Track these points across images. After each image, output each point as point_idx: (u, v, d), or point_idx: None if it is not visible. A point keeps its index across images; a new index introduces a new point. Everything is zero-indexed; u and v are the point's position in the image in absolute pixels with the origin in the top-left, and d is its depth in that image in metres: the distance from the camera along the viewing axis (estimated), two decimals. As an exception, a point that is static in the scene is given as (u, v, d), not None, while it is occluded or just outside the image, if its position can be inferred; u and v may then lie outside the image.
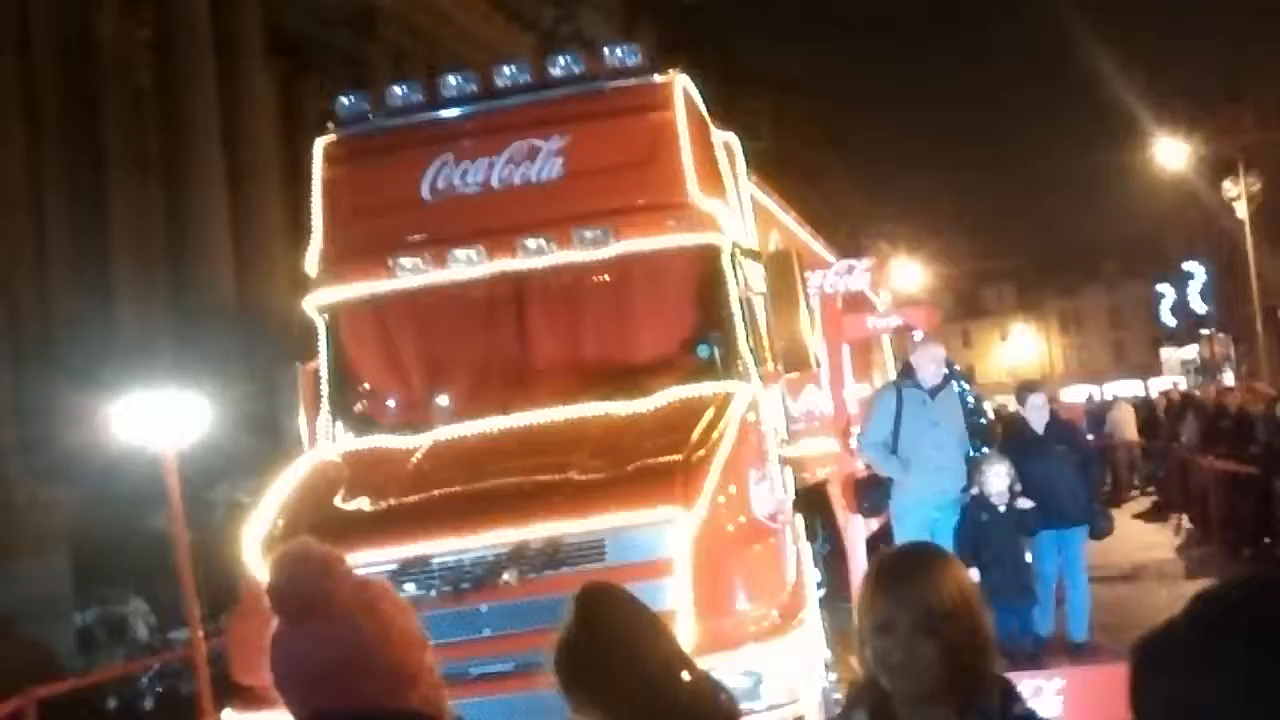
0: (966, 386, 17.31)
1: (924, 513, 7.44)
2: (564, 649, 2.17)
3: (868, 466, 7.82)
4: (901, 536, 7.34)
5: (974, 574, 7.17)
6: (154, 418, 7.16)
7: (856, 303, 10.86)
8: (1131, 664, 1.19)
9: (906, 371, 7.97)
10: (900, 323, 10.06)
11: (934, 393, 7.58)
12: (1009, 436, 8.49)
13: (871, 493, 7.71)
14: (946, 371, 7.77)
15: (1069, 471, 7.89)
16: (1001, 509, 7.50)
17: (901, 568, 2.10)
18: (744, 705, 4.85)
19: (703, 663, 4.76)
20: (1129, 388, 38.69)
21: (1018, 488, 7.54)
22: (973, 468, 7.74)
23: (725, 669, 4.88)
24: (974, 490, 7.61)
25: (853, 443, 8.07)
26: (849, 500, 7.79)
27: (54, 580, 9.92)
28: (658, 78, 6.31)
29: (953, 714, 1.99)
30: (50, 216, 12.43)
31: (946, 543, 7.06)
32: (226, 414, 8.25)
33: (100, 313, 12.54)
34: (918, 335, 12.35)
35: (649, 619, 2.26)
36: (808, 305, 6.73)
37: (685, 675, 2.17)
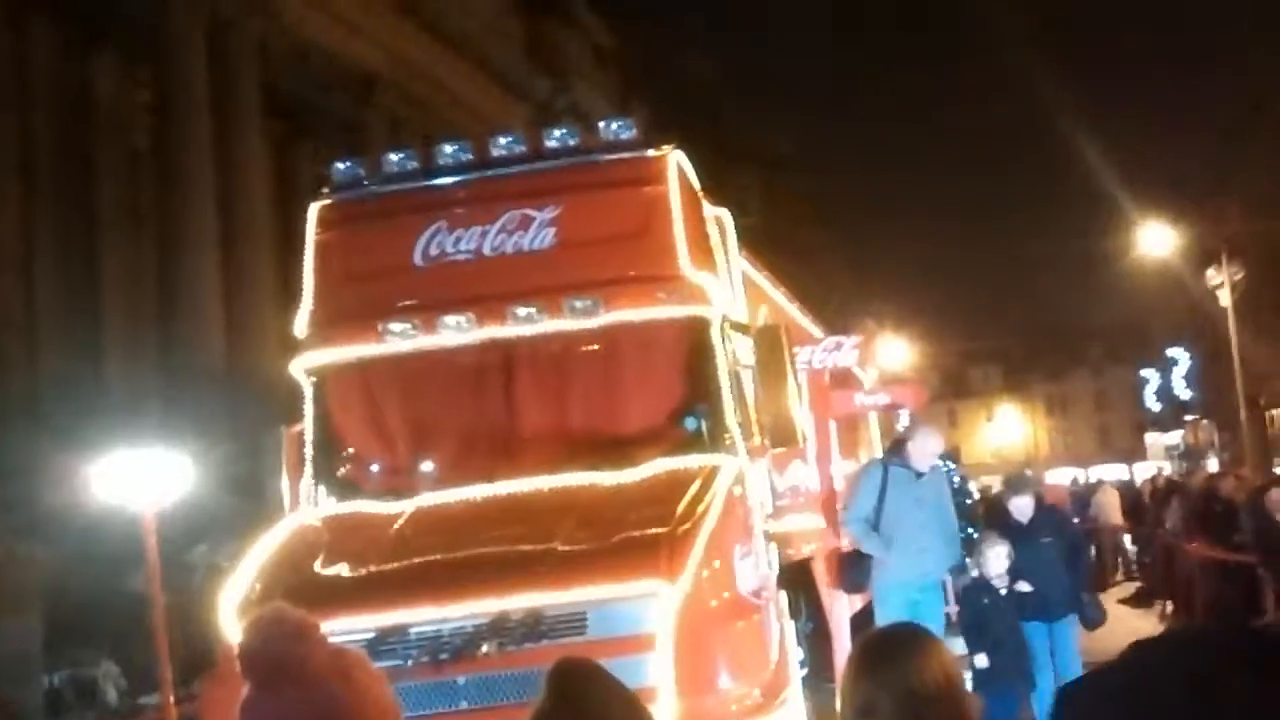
0: (953, 466, 17.29)
1: (906, 593, 7.37)
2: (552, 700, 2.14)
3: (851, 543, 7.78)
4: (883, 617, 7.25)
5: (981, 659, 7.11)
6: (136, 477, 7.09)
7: (844, 379, 10.88)
8: (1059, 705, 1.20)
9: (896, 449, 7.94)
10: (888, 400, 10.09)
11: (922, 475, 7.56)
12: (993, 524, 8.44)
13: (854, 570, 7.66)
14: (941, 460, 7.81)
15: (1056, 560, 7.81)
16: (1002, 591, 7.42)
17: (884, 649, 2.07)
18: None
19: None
20: (1114, 472, 38.71)
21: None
22: (972, 550, 7.68)
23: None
24: (974, 573, 7.50)
25: (838, 518, 8.02)
26: (832, 577, 7.74)
27: (26, 639, 9.74)
28: (651, 152, 6.39)
29: None
30: (41, 275, 12.44)
31: (930, 625, 6.98)
32: (210, 475, 8.18)
33: (89, 372, 12.50)
34: (905, 416, 12.40)
35: (624, 696, 2.23)
36: (795, 380, 6.76)
37: None
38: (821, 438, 8.19)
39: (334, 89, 16.67)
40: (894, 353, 38.86)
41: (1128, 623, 13.30)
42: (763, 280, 8.68)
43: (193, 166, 13.82)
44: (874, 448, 12.77)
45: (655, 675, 4.84)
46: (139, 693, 8.92)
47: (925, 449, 7.62)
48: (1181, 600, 13.00)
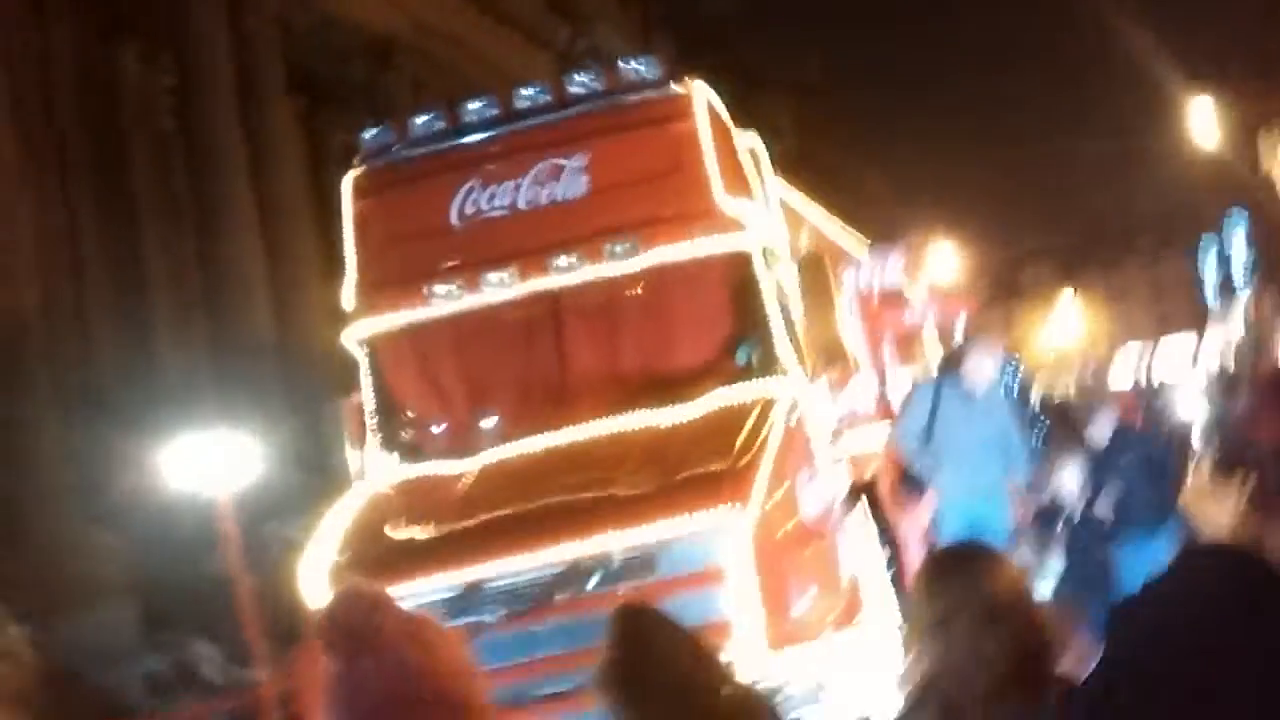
0: (1018, 372, 17.03)
1: (962, 511, 7.13)
2: (606, 668, 2.19)
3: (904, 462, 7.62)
4: (942, 536, 7.04)
5: (1052, 583, 6.74)
6: (205, 461, 7.25)
7: (894, 296, 10.78)
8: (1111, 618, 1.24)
9: (949, 367, 7.70)
10: (939, 313, 9.96)
11: (978, 393, 7.24)
12: (1061, 438, 8.12)
13: (909, 484, 7.46)
14: (998, 373, 7.46)
15: (1138, 478, 7.27)
16: (1077, 516, 7.05)
17: (955, 562, 2.09)
18: (805, 709, 4.87)
19: (762, 668, 4.81)
20: (1181, 342, 38.06)
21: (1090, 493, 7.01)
22: (1040, 469, 7.35)
23: (784, 674, 4.88)
24: (1045, 496, 7.16)
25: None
26: (894, 495, 7.70)
27: (120, 627, 10.05)
28: (676, 88, 6.33)
29: (1019, 709, 1.97)
30: (88, 266, 12.62)
31: (996, 539, 6.68)
32: (274, 452, 8.32)
33: (142, 359, 12.70)
34: (962, 324, 12.19)
35: (687, 635, 2.27)
36: (842, 303, 6.72)
37: (726, 689, 2.18)
38: (875, 357, 8.13)
39: (353, 57, 16.61)
40: (943, 261, 38.36)
41: (1208, 507, 13.14)
42: (801, 204, 8.60)
43: (223, 147, 13.90)
44: (929, 361, 12.67)
45: (727, 608, 4.90)
46: (237, 670, 9.17)
47: (980, 370, 7.29)
48: (1258, 491, 12.78)
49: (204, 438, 7.31)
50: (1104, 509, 6.93)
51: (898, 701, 2.20)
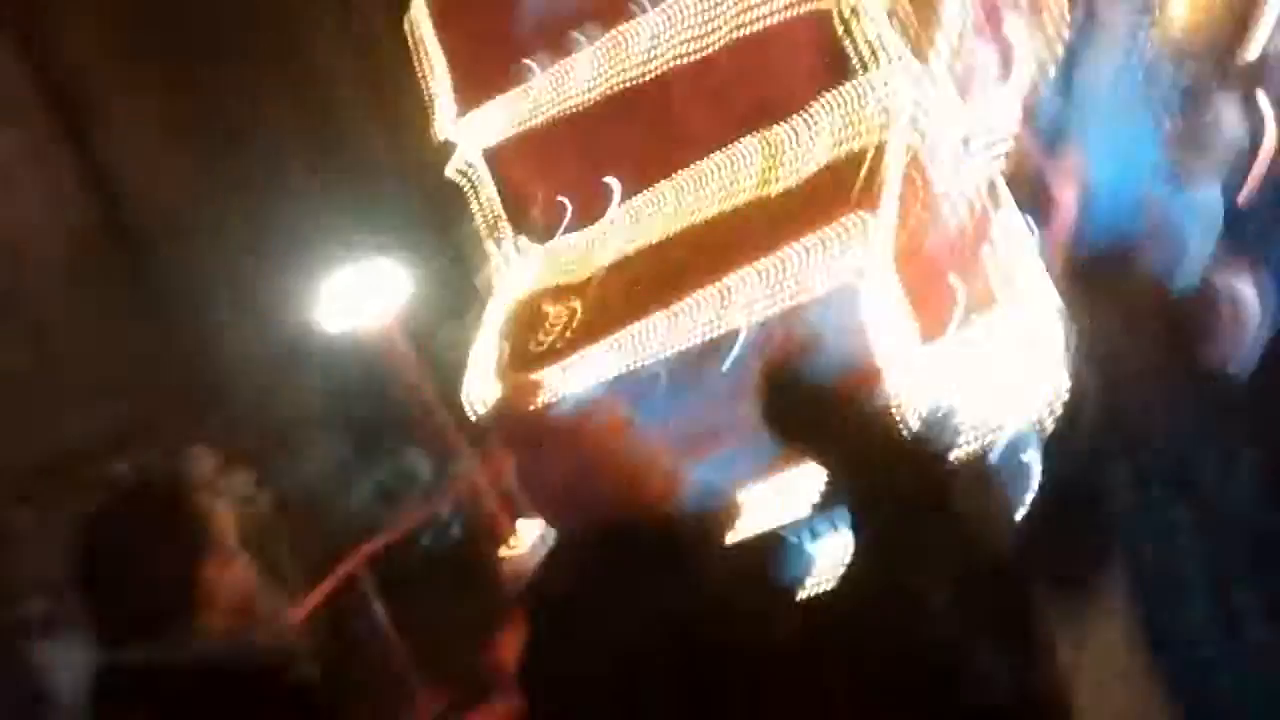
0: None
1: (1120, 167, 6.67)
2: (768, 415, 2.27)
3: None
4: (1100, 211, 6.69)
5: None
6: (361, 291, 7.60)
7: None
8: None
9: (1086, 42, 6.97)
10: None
11: (1109, 25, 6.36)
12: None
13: (1050, 152, 7.03)
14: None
15: None
16: None
17: (1092, 278, 2.05)
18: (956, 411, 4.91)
19: (917, 364, 4.84)
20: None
21: None
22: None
23: (950, 359, 4.93)
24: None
25: None
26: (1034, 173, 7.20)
27: (334, 458, 10.83)
28: None
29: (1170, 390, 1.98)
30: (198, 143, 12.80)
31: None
32: (423, 270, 8.59)
33: (280, 207, 12.94)
34: None
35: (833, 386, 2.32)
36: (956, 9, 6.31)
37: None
38: (1004, 49, 7.56)
39: None
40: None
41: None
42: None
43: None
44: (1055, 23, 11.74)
45: (882, 311, 4.96)
46: (447, 469, 9.83)
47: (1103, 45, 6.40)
48: None
49: (355, 270, 7.63)
50: None
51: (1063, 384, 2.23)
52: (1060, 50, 6.79)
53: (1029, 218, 6.92)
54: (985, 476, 3.59)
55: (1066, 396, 4.34)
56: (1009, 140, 7.29)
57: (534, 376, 5.44)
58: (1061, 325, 4.65)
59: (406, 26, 6.54)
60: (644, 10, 5.87)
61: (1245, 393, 1.97)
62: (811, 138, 5.64)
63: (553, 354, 5.53)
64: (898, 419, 2.60)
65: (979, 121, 6.79)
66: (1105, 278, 2.00)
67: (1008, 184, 6.79)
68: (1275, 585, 2.23)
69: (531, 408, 3.46)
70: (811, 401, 2.32)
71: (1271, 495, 2.07)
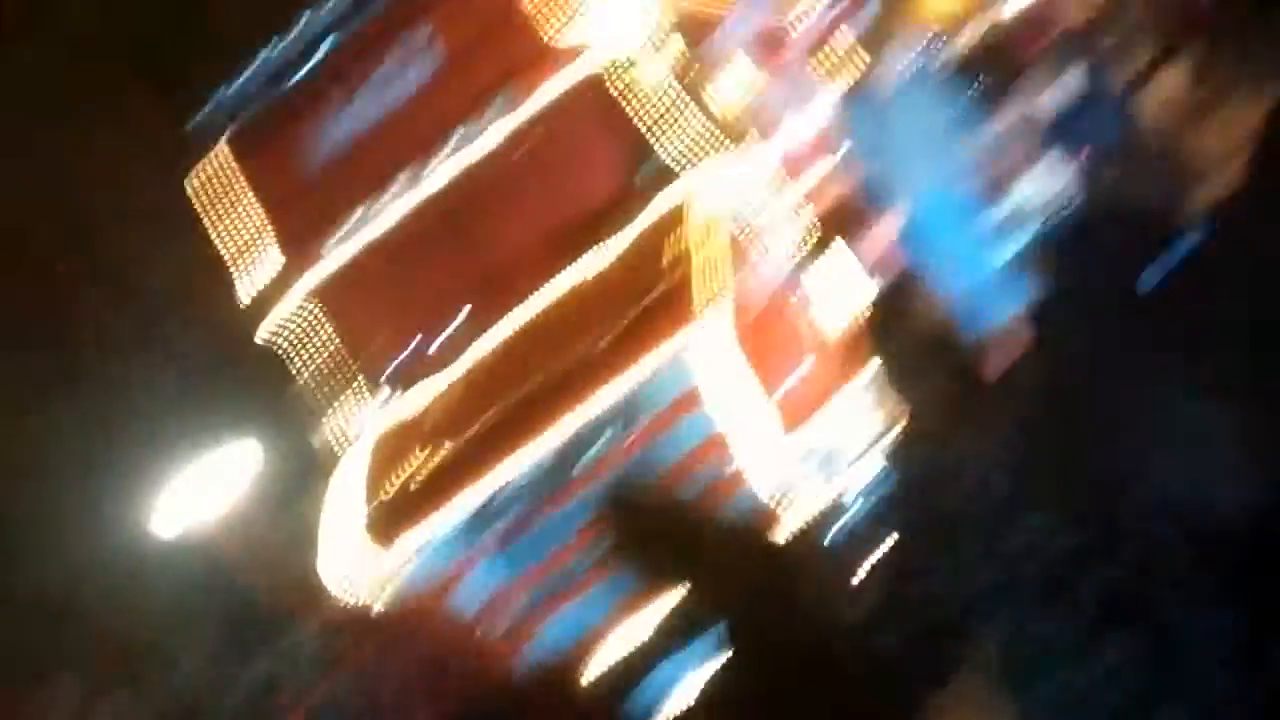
0: (931, 43, 16.54)
1: (928, 216, 6.38)
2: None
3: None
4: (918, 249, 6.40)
5: None
6: (208, 483, 7.27)
7: (788, 23, 10.31)
8: None
9: (865, 74, 7.08)
10: (827, 31, 9.45)
11: (898, 92, 6.59)
12: None
13: (866, 211, 6.70)
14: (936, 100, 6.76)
15: None
16: None
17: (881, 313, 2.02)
18: (830, 469, 4.92)
19: (776, 451, 4.83)
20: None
21: None
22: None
23: (800, 448, 4.94)
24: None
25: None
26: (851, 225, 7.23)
27: (205, 653, 10.34)
28: None
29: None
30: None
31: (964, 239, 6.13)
32: (273, 444, 8.30)
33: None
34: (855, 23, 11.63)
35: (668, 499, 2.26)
36: (727, 62, 6.52)
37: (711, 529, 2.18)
38: (780, 94, 7.83)
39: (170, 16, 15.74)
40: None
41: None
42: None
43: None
44: (851, 67, 12.26)
45: (727, 414, 4.93)
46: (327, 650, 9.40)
47: (889, 67, 6.75)
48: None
49: (197, 468, 7.31)
50: None
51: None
52: (854, 86, 7.00)
53: (848, 251, 7.13)
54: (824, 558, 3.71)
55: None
56: (816, 181, 7.53)
57: (392, 541, 5.24)
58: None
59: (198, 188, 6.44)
60: (454, 147, 5.86)
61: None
62: (630, 235, 5.68)
63: (408, 512, 5.35)
64: (752, 524, 2.51)
65: (781, 173, 7.00)
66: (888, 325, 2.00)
67: (822, 223, 7.00)
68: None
69: (387, 601, 3.30)
70: (670, 530, 2.23)
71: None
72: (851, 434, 4.88)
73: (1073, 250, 5.02)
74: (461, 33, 6.00)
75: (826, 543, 4.74)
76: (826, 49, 11.04)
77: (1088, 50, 6.47)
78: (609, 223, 5.75)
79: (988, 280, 5.99)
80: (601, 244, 5.68)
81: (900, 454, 4.50)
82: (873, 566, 4.53)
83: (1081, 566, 1.94)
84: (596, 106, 5.93)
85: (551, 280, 5.70)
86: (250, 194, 6.31)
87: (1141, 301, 1.60)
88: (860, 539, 4.68)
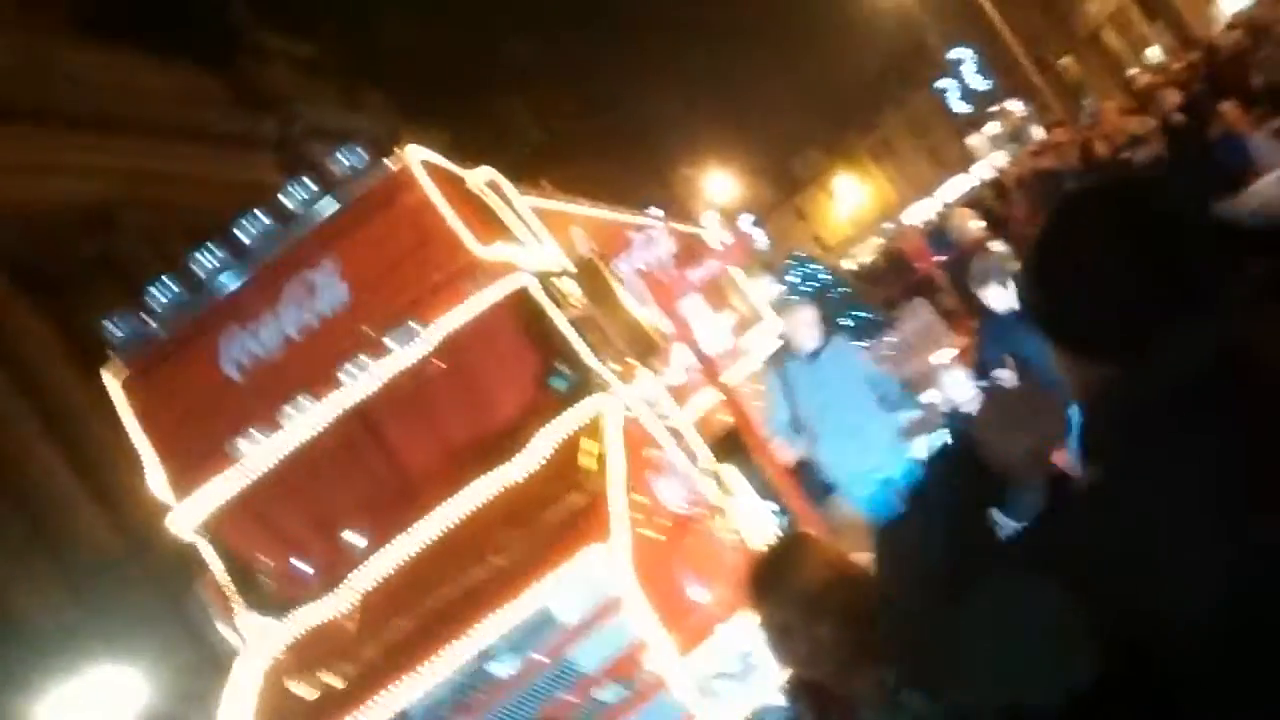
0: (818, 268, 17.36)
1: (869, 484, 6.43)
2: None
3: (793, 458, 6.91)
4: (859, 512, 6.54)
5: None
6: (95, 702, 6.95)
7: (690, 247, 10.93)
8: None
9: (784, 344, 7.06)
10: (718, 267, 10.05)
11: (816, 356, 6.63)
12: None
13: (809, 481, 6.87)
14: (825, 326, 6.84)
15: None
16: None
17: (770, 571, 2.17)
18: (746, 681, 4.98)
19: (691, 663, 4.89)
20: (960, 184, 39.95)
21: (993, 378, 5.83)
22: (922, 380, 6.83)
23: (715, 661, 4.98)
24: (937, 407, 6.49)
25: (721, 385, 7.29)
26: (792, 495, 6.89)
27: None
28: (391, 164, 6.31)
29: (876, 672, 2.07)
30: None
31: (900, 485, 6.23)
32: (163, 662, 8.01)
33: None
34: (743, 276, 12.14)
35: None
36: (629, 290, 6.82)
37: None
38: (677, 321, 8.17)
39: (77, 235, 15.91)
40: (722, 187, 39.25)
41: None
42: (562, 205, 8.67)
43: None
44: (742, 292, 12.96)
45: (637, 628, 4.96)
46: None
47: (800, 327, 6.74)
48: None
49: (81, 683, 6.99)
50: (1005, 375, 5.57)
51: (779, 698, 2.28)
52: (774, 377, 6.78)
53: (765, 488, 7.34)
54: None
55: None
56: (719, 403, 7.76)
57: None
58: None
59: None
60: (353, 379, 5.92)
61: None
62: (534, 458, 5.75)
63: None
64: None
65: (686, 401, 7.23)
66: (774, 587, 2.11)
67: (736, 456, 7.20)
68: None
69: None
70: None
71: None
72: (762, 647, 4.92)
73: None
74: (378, 255, 6.15)
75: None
76: (722, 279, 11.67)
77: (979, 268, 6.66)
78: (523, 435, 5.84)
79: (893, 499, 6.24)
80: (515, 456, 5.75)
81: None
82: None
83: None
84: (515, 320, 6.11)
85: (463, 492, 5.73)
86: (139, 422, 6.29)
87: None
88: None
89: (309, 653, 5.75)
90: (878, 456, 6.39)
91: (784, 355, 6.93)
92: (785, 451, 6.70)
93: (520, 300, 6.11)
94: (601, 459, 5.45)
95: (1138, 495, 1.27)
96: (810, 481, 6.82)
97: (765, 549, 2.49)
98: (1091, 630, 1.24)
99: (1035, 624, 1.25)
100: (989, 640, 1.29)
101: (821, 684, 2.11)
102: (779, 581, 2.09)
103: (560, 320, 6.18)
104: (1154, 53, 29.22)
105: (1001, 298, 5.71)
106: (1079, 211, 1.41)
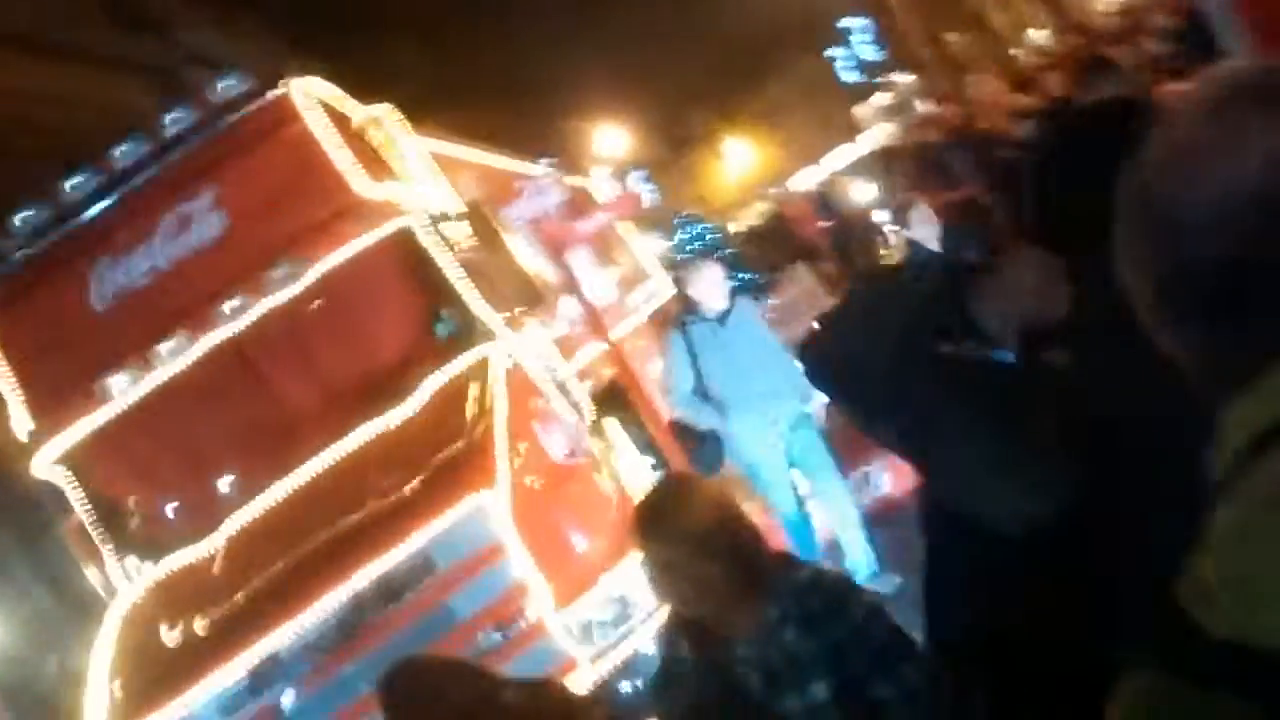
0: (707, 226, 17.41)
1: (768, 444, 6.19)
2: None
3: (689, 423, 6.56)
4: (763, 482, 6.27)
5: None
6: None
7: (578, 201, 10.85)
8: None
9: (686, 305, 6.67)
10: (606, 220, 10.03)
11: (724, 317, 6.28)
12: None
13: (703, 450, 6.38)
14: (732, 285, 6.55)
15: None
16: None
17: (656, 510, 2.19)
18: (622, 629, 5.04)
19: (570, 611, 4.92)
20: (847, 153, 40.48)
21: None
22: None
23: (593, 609, 5.03)
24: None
25: (667, 400, 6.89)
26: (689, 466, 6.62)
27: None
28: (273, 94, 6.10)
29: (759, 608, 2.11)
30: None
31: (815, 464, 6.17)
32: (21, 600, 7.72)
33: None
34: (628, 236, 12.13)
35: (458, 666, 2.30)
36: (517, 238, 6.75)
37: (509, 694, 2.23)
38: (564, 273, 8.13)
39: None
40: (613, 141, 39.10)
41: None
42: (451, 149, 8.52)
43: None
44: (629, 247, 12.95)
45: (517, 574, 4.97)
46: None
47: (709, 287, 6.34)
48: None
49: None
50: None
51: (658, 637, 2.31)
52: (678, 341, 6.30)
53: (644, 439, 7.38)
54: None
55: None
56: (604, 355, 7.77)
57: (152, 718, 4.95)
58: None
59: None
60: (228, 317, 5.74)
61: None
62: (416, 404, 5.67)
63: (182, 677, 5.08)
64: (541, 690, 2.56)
65: (572, 352, 7.21)
66: (661, 527, 2.17)
67: (617, 407, 7.21)
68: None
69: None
70: (438, 717, 2.25)
71: None
72: (642, 592, 4.98)
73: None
74: (257, 188, 5.97)
75: (618, 699, 4.78)
76: (610, 234, 11.66)
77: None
78: (406, 380, 5.75)
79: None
80: (399, 398, 5.66)
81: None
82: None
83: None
84: (399, 263, 5.99)
85: (346, 433, 5.61)
86: (2, 350, 6.00)
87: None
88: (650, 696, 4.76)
89: (177, 597, 5.62)
90: (780, 410, 6.15)
91: (687, 316, 6.46)
92: (689, 419, 6.38)
93: (405, 242, 5.98)
94: (485, 407, 5.41)
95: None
96: (703, 452, 6.40)
97: (652, 488, 2.50)
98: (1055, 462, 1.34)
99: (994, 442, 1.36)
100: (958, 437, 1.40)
101: (701, 622, 2.14)
102: (666, 520, 2.11)
103: (446, 265, 6.08)
104: (1036, 34, 29.99)
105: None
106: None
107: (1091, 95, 5.20)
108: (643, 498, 2.35)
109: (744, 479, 6.31)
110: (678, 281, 7.09)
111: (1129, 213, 0.93)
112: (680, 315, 6.68)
